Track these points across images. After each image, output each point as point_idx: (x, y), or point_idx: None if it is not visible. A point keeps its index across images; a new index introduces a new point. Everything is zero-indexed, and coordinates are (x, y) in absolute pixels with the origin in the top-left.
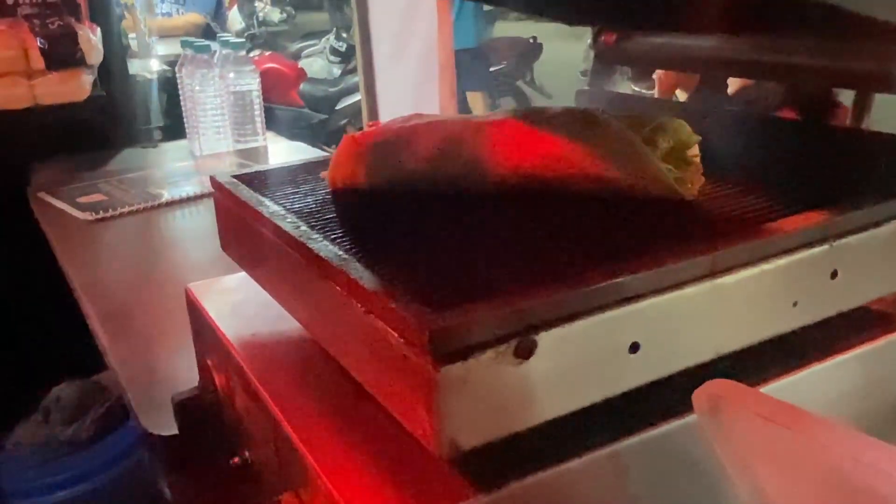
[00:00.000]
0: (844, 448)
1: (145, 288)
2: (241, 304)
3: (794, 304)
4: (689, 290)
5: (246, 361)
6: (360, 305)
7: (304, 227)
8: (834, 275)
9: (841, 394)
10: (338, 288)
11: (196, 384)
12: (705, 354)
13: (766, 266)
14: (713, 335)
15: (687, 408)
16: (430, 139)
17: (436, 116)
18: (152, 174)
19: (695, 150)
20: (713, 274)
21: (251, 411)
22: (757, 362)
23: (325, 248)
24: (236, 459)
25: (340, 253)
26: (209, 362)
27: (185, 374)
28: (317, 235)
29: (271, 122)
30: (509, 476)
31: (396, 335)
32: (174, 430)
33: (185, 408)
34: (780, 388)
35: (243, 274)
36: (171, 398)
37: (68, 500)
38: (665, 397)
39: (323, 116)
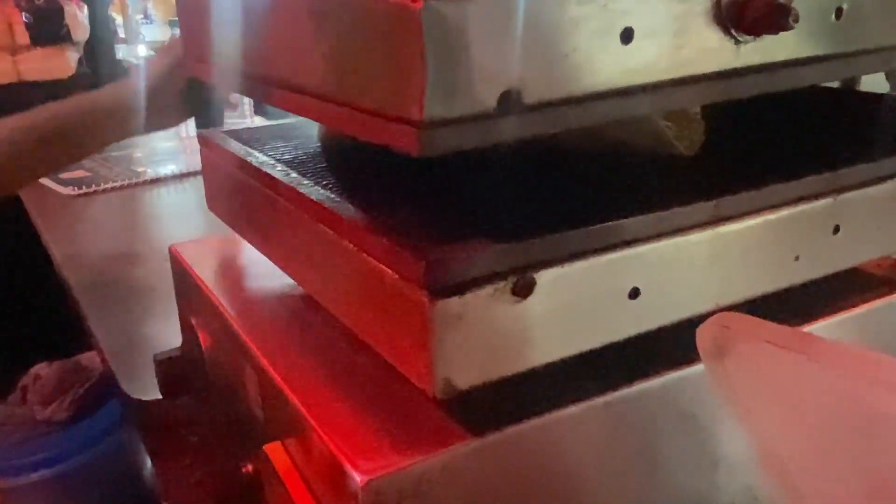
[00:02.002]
0: (861, 370)
1: (127, 260)
2: (226, 262)
3: (796, 259)
4: (692, 237)
5: (233, 316)
6: (352, 245)
7: (294, 175)
8: (836, 230)
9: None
10: (329, 230)
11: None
12: (706, 305)
13: (769, 216)
14: (715, 285)
15: (685, 360)
16: None
17: None
18: (137, 153)
19: (696, 108)
20: (716, 221)
21: (238, 367)
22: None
23: (317, 192)
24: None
25: (333, 196)
26: (193, 321)
27: (168, 340)
28: (308, 181)
29: (261, 110)
30: (503, 421)
31: (391, 271)
32: (157, 395)
33: (167, 367)
34: None
35: (229, 234)
36: (153, 357)
37: (47, 480)
38: (663, 349)
39: None
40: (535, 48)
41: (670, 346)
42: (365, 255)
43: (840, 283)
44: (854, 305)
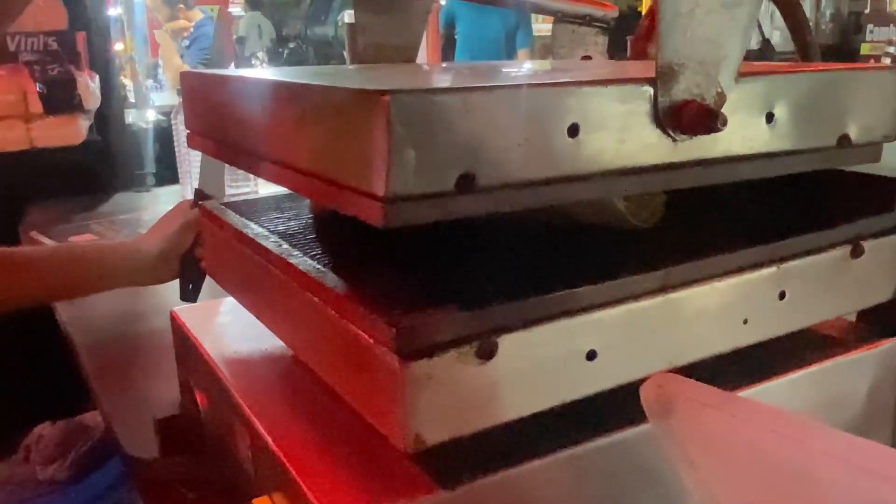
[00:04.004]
0: (765, 422)
1: (131, 321)
2: (224, 326)
3: (745, 322)
4: (644, 303)
5: (227, 377)
6: (334, 312)
7: (285, 246)
8: (782, 296)
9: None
10: (315, 298)
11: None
12: (660, 365)
13: (716, 283)
14: (667, 347)
15: (643, 416)
16: None
17: None
18: (144, 216)
19: None
20: (666, 288)
21: (232, 425)
22: (711, 377)
23: (305, 262)
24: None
25: (319, 267)
26: (191, 382)
27: (168, 400)
28: (297, 253)
29: None
30: (472, 474)
31: (367, 336)
32: (156, 454)
33: (166, 428)
34: None
35: (227, 299)
36: (152, 418)
37: None
38: (623, 406)
39: None
40: (490, 138)
41: (630, 402)
42: (346, 321)
43: (795, 343)
44: (806, 365)
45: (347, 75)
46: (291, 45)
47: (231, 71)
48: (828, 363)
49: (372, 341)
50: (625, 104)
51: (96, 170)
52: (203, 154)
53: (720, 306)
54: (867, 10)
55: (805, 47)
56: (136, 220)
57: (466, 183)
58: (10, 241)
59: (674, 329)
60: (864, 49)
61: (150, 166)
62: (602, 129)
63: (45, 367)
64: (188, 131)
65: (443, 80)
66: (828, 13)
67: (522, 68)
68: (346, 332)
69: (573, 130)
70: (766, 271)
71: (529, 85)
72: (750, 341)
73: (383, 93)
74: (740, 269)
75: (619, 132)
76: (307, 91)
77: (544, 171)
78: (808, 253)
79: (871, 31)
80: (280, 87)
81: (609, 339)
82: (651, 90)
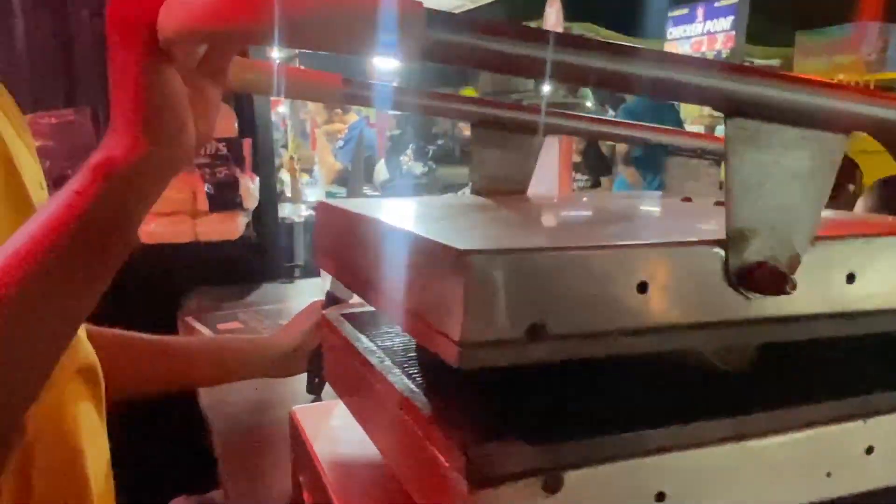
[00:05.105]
0: None
1: (264, 411)
2: (337, 429)
3: (828, 475)
4: (715, 449)
5: (329, 479)
6: (419, 432)
7: (387, 362)
8: (870, 450)
9: None
10: (406, 416)
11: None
12: None
13: (796, 434)
14: (741, 496)
15: None
16: None
17: None
18: (286, 307)
19: None
20: (739, 436)
21: None
22: None
23: (401, 381)
24: None
25: (412, 387)
26: (301, 480)
27: (284, 492)
28: (397, 371)
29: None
30: None
31: (443, 459)
32: None
33: None
34: None
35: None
36: None
37: None
38: None
39: None
40: (560, 292)
41: None
42: (426, 442)
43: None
44: None
45: (445, 217)
46: (440, 141)
47: (348, 203)
48: None
49: (448, 465)
50: (694, 265)
51: (249, 262)
52: None
53: (799, 458)
54: None
55: None
56: (279, 312)
57: (537, 332)
58: (169, 325)
59: (748, 477)
60: None
61: (298, 258)
62: (671, 287)
63: (182, 446)
64: (317, 250)
65: (525, 233)
66: None
67: (608, 210)
68: (426, 452)
69: (642, 287)
70: (851, 425)
71: (597, 247)
72: (833, 495)
73: (463, 253)
74: (823, 422)
75: (688, 290)
76: (400, 236)
77: (614, 322)
78: None
79: None
80: (380, 228)
81: (679, 483)
82: (722, 252)
